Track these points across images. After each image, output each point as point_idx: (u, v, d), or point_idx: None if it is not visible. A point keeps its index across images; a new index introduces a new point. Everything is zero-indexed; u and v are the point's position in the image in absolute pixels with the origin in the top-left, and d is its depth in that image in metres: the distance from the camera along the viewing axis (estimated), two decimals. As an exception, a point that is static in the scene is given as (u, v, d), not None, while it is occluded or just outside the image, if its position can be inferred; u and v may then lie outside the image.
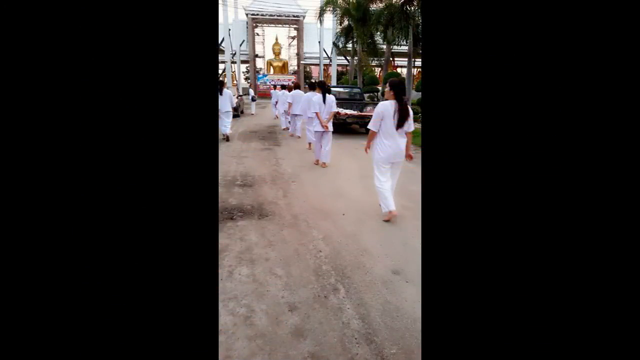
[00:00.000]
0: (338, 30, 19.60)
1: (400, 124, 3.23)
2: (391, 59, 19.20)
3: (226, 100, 7.72)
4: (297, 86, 9.39)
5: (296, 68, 30.40)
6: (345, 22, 18.28)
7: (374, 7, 15.47)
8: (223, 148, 7.01)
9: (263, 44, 31.61)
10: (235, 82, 25.82)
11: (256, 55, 29.83)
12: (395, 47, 16.28)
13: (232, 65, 25.32)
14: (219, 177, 4.75)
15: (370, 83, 20.24)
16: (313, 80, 13.97)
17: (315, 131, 5.76)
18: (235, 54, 25.52)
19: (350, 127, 9.36)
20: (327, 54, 26.12)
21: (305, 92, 8.17)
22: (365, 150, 3.58)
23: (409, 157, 3.45)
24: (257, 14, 27.49)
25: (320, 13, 18.08)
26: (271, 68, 30.60)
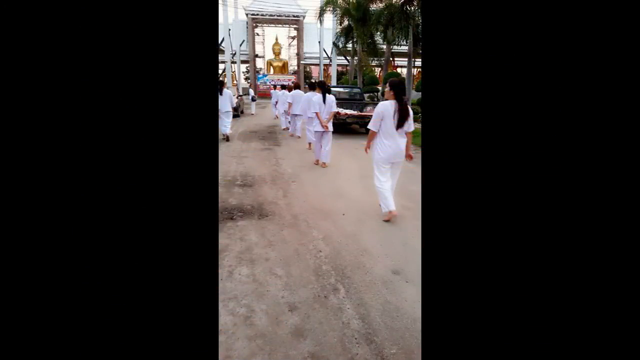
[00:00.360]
0: (338, 30, 19.60)
1: (400, 124, 3.23)
2: (391, 59, 19.20)
3: (226, 100, 7.72)
4: (297, 86, 9.39)
5: (296, 68, 30.40)
6: (345, 22, 18.28)
7: (374, 7, 15.47)
8: (223, 148, 7.01)
9: (263, 44, 31.61)
10: (235, 82, 25.81)
11: (256, 55, 29.82)
12: (395, 47, 16.28)
13: (232, 65, 25.32)
14: (219, 177, 4.75)
15: (370, 83, 20.24)
16: (313, 80, 13.96)
17: (315, 131, 5.76)
18: (235, 54, 25.52)
19: (350, 127, 9.37)
20: (327, 54, 26.12)
21: (305, 92, 8.17)
22: (365, 150, 3.59)
23: (409, 157, 3.45)
24: (257, 14, 27.49)
25: (320, 13, 18.09)
26: (271, 68, 30.60)
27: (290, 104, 8.80)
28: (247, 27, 27.98)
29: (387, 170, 3.41)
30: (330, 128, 5.72)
